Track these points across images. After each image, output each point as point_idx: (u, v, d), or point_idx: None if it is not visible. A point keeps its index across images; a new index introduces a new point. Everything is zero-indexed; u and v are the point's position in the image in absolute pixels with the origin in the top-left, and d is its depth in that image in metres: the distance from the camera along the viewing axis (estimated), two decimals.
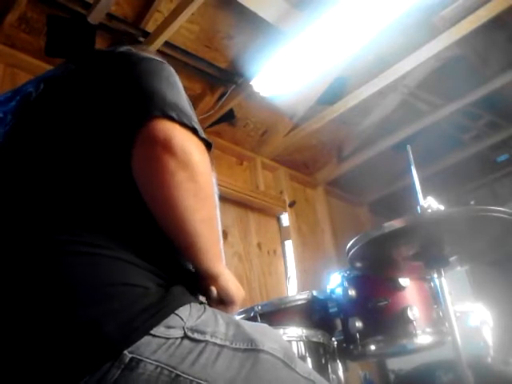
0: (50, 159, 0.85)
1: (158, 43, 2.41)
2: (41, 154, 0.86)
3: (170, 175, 0.77)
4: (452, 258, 1.40)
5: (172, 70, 0.92)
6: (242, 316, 1.70)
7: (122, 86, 0.85)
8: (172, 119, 0.78)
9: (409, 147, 1.61)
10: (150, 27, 2.51)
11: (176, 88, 0.87)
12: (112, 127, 0.83)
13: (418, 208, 1.40)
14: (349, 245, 1.38)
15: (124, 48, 0.94)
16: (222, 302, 0.88)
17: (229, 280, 0.88)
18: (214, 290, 0.87)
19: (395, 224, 1.28)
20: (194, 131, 0.81)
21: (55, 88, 0.92)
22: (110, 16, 2.39)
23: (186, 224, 0.80)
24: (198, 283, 0.87)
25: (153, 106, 0.79)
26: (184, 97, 0.87)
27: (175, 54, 2.58)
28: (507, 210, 1.23)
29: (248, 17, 2.49)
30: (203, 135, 0.83)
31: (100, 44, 2.45)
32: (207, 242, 0.83)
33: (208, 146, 0.84)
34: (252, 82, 2.78)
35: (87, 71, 0.92)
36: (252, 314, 1.70)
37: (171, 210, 0.79)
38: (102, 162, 0.83)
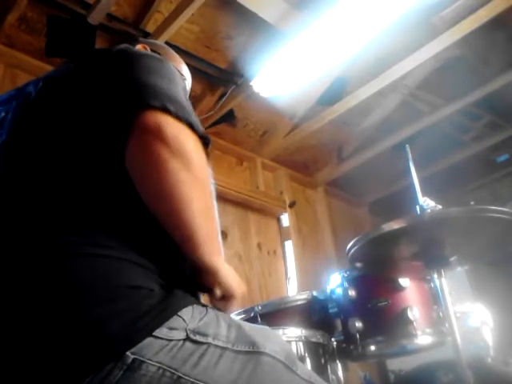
0: (54, 159, 0.84)
1: None
2: (43, 154, 0.85)
3: (162, 164, 0.75)
4: (452, 258, 1.40)
5: (172, 67, 0.92)
6: (242, 316, 1.70)
7: (119, 81, 0.84)
8: (166, 110, 0.77)
9: (407, 147, 1.61)
10: (150, 28, 2.51)
11: (174, 84, 0.86)
12: (109, 122, 0.82)
13: (417, 208, 1.40)
14: (349, 245, 1.38)
15: (123, 46, 0.94)
16: (223, 297, 0.86)
17: (228, 274, 0.85)
18: (216, 288, 0.84)
19: (395, 224, 1.28)
20: (189, 125, 0.80)
21: (54, 87, 0.92)
22: (110, 16, 2.39)
23: (182, 215, 0.77)
24: (197, 279, 0.84)
25: (147, 97, 0.78)
26: (182, 93, 0.86)
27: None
28: (507, 210, 1.23)
29: (248, 17, 2.49)
30: (200, 129, 0.82)
31: (100, 44, 2.44)
32: (204, 233, 0.80)
33: (205, 141, 0.83)
34: (252, 83, 2.78)
35: (85, 69, 0.92)
36: (252, 315, 1.70)
37: (166, 201, 0.77)
38: (106, 161, 0.83)
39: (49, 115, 0.88)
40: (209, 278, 0.84)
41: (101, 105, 0.84)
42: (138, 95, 0.79)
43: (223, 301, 0.87)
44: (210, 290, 0.86)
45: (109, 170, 0.83)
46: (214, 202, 0.88)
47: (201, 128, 0.82)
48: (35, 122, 0.89)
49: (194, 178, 0.78)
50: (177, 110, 0.79)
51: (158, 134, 0.76)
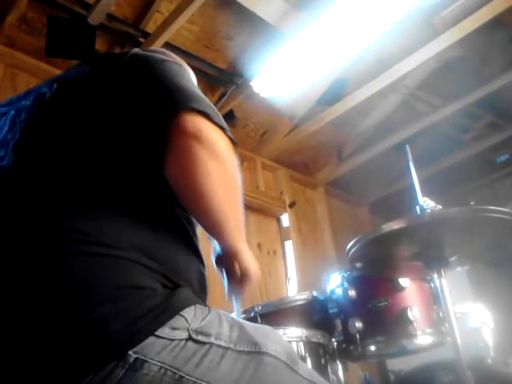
0: (65, 159, 0.85)
1: (158, 44, 2.41)
2: (55, 154, 0.86)
3: (201, 164, 0.81)
4: (452, 258, 1.40)
5: (190, 71, 0.94)
6: (242, 316, 1.69)
7: (147, 85, 0.87)
8: (202, 113, 0.82)
9: (408, 147, 1.61)
10: (150, 28, 2.51)
11: (197, 88, 0.90)
12: (139, 125, 0.84)
13: (417, 208, 1.40)
14: (349, 245, 1.38)
15: (136, 50, 0.96)
16: (240, 278, 0.95)
17: (248, 256, 0.94)
18: (235, 266, 0.94)
19: (395, 224, 1.28)
20: (223, 129, 0.85)
21: (69, 88, 0.93)
22: (110, 16, 2.39)
23: (216, 209, 0.84)
24: (221, 258, 0.94)
25: (187, 100, 0.82)
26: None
27: (175, 55, 2.57)
28: (507, 210, 1.23)
29: (248, 17, 2.50)
30: (230, 134, 0.87)
31: (100, 44, 2.45)
32: (233, 224, 0.88)
33: (234, 144, 0.89)
34: (252, 83, 2.78)
35: (102, 72, 0.93)
36: (252, 315, 1.70)
37: (204, 199, 0.82)
38: (118, 162, 0.84)
39: (65, 117, 0.89)
40: (230, 257, 0.93)
41: (130, 107, 0.86)
42: (177, 98, 0.83)
43: (239, 282, 0.95)
44: (229, 269, 0.95)
45: (122, 169, 0.84)
46: (242, 200, 0.95)
47: (228, 131, 0.88)
48: (51, 123, 0.90)
49: (229, 177, 0.85)
50: (213, 114, 0.84)
51: (198, 137, 0.80)
